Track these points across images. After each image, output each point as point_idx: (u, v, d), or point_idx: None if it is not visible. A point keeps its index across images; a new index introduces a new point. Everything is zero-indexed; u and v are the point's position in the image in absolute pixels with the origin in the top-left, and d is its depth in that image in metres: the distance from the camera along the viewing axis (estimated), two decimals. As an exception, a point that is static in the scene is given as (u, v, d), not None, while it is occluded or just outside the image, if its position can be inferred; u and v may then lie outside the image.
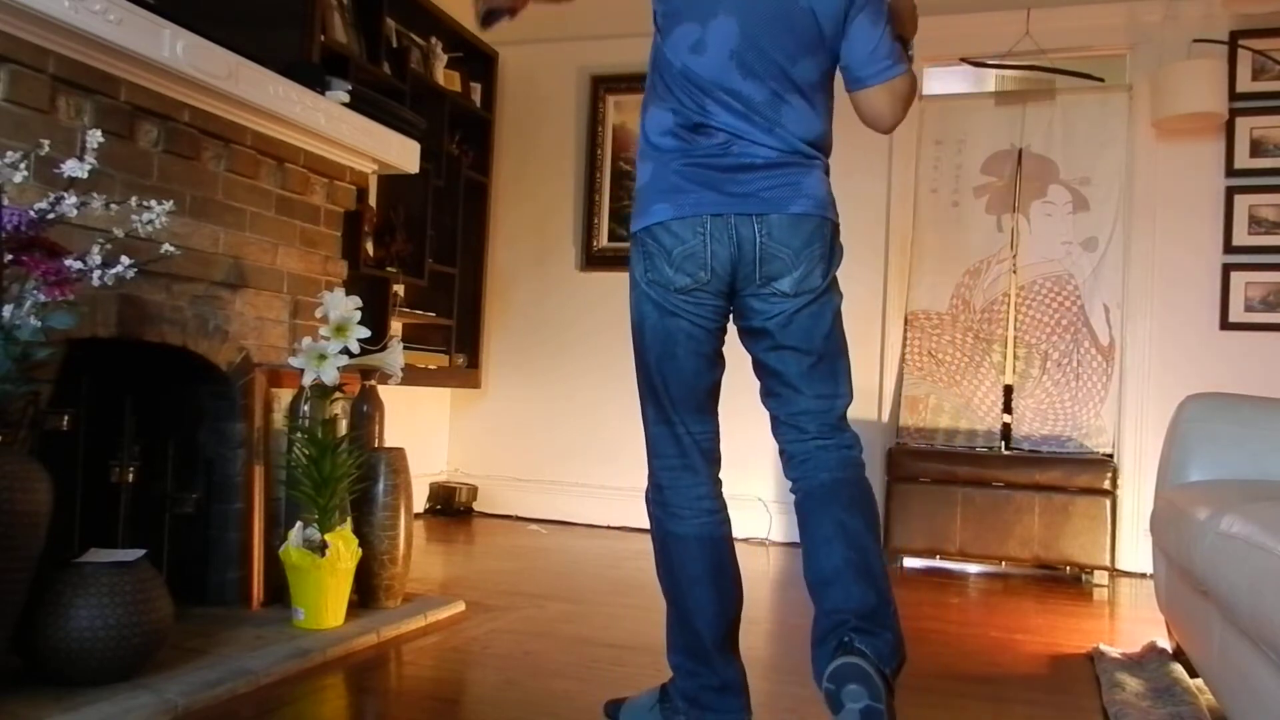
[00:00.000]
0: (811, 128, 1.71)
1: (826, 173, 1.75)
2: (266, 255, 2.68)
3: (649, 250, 1.71)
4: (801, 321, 1.69)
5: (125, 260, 1.93)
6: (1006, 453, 4.02)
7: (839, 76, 1.78)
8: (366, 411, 2.77)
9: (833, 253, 1.72)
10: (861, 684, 1.50)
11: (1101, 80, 4.08)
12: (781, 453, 1.78)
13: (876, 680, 1.50)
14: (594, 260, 4.73)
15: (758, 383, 1.80)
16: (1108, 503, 3.73)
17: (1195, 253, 3.97)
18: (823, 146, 1.74)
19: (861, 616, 1.60)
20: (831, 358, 1.73)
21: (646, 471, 1.82)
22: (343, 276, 2.99)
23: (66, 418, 2.14)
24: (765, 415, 1.80)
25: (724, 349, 1.79)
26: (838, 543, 1.65)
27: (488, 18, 2.08)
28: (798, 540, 1.75)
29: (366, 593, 2.63)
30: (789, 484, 1.77)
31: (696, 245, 1.67)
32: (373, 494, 2.65)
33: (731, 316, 1.77)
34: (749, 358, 1.78)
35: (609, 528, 4.50)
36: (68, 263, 1.85)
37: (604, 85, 4.75)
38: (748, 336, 1.76)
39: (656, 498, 1.80)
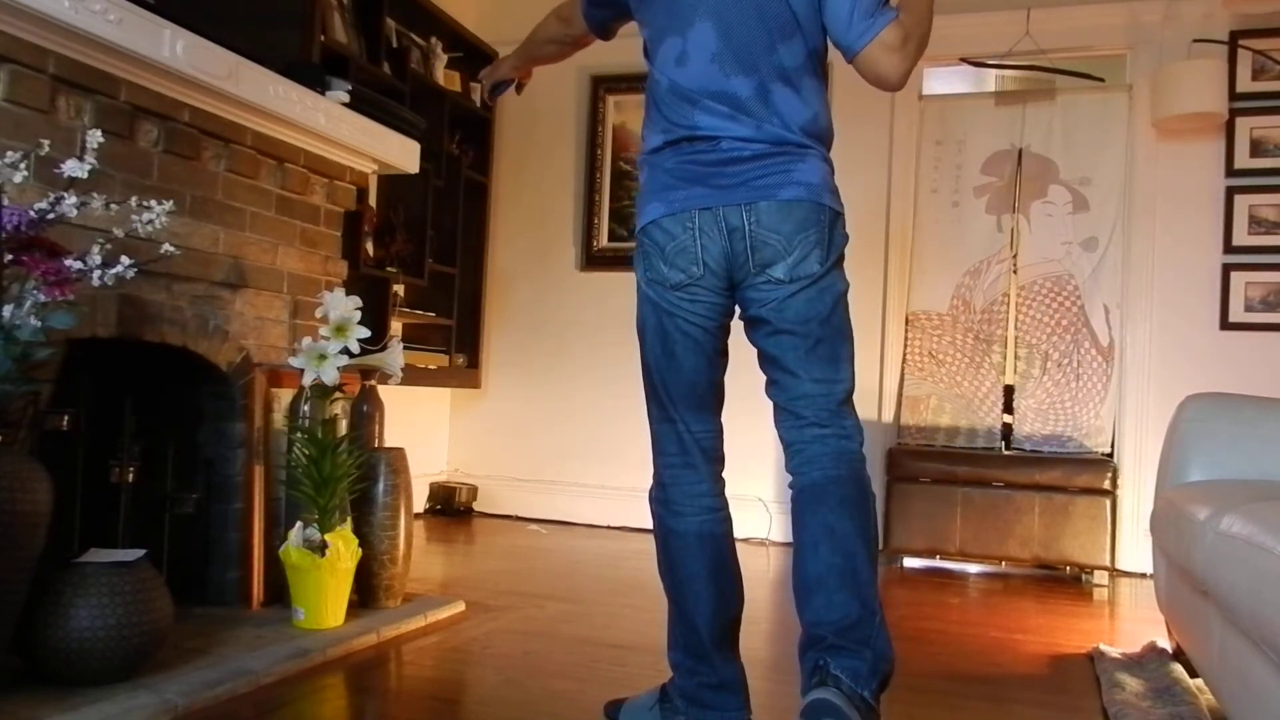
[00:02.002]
0: (800, 114, 1.68)
1: (825, 160, 1.72)
2: (266, 255, 2.68)
3: (646, 249, 1.72)
4: (797, 305, 1.67)
5: (125, 260, 1.93)
6: (1007, 453, 4.02)
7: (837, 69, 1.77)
8: (366, 411, 2.77)
9: (831, 239, 1.69)
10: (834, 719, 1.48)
11: (1101, 80, 4.08)
12: (781, 441, 1.75)
13: (850, 713, 1.48)
14: (594, 260, 4.73)
15: (760, 385, 1.78)
16: (1108, 503, 3.73)
17: (1195, 253, 3.97)
18: (816, 133, 1.71)
19: (841, 631, 1.57)
20: (831, 342, 1.70)
21: (648, 471, 1.83)
22: (343, 276, 2.99)
23: (66, 418, 2.14)
24: (766, 417, 1.78)
25: (727, 348, 1.78)
26: (823, 547, 1.62)
27: (494, 90, 2.18)
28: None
29: (366, 593, 2.63)
30: (788, 479, 1.76)
31: (687, 240, 1.67)
32: (373, 494, 2.65)
33: (736, 313, 1.76)
34: (752, 361, 1.78)
35: (609, 528, 4.50)
36: (68, 263, 1.85)
37: (604, 85, 4.75)
38: (749, 327, 1.75)
39: (659, 495, 1.81)
